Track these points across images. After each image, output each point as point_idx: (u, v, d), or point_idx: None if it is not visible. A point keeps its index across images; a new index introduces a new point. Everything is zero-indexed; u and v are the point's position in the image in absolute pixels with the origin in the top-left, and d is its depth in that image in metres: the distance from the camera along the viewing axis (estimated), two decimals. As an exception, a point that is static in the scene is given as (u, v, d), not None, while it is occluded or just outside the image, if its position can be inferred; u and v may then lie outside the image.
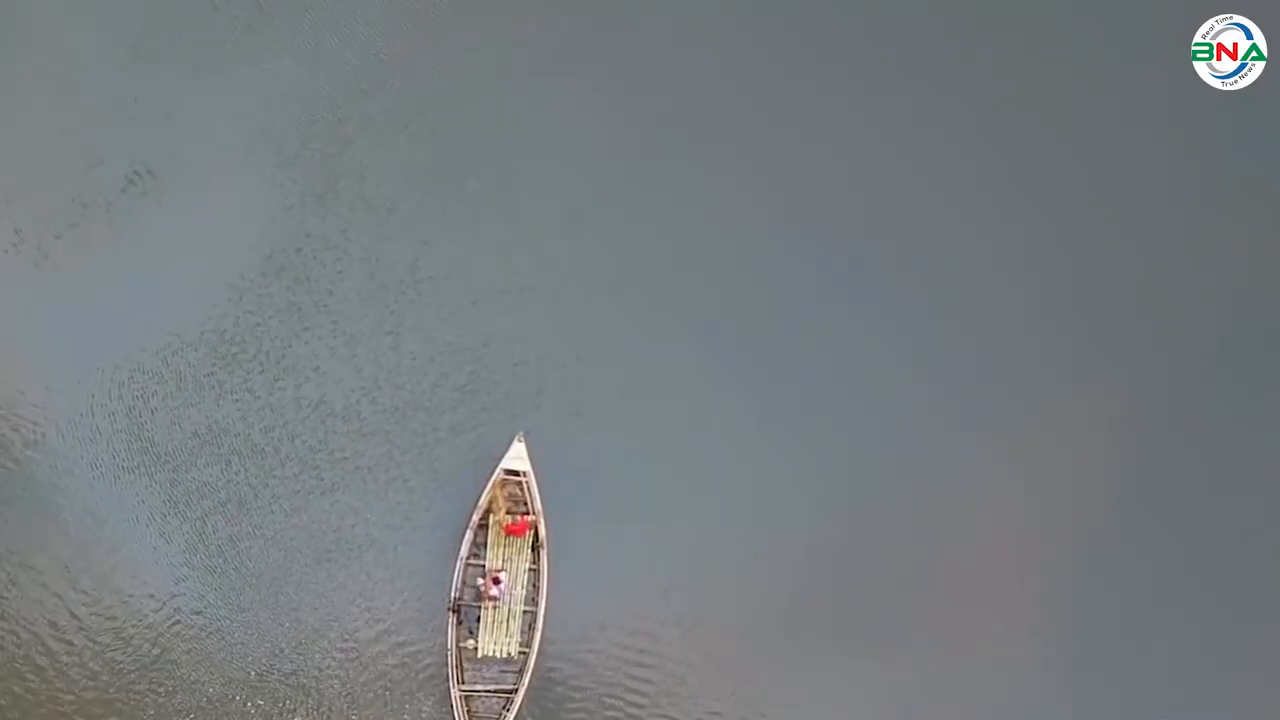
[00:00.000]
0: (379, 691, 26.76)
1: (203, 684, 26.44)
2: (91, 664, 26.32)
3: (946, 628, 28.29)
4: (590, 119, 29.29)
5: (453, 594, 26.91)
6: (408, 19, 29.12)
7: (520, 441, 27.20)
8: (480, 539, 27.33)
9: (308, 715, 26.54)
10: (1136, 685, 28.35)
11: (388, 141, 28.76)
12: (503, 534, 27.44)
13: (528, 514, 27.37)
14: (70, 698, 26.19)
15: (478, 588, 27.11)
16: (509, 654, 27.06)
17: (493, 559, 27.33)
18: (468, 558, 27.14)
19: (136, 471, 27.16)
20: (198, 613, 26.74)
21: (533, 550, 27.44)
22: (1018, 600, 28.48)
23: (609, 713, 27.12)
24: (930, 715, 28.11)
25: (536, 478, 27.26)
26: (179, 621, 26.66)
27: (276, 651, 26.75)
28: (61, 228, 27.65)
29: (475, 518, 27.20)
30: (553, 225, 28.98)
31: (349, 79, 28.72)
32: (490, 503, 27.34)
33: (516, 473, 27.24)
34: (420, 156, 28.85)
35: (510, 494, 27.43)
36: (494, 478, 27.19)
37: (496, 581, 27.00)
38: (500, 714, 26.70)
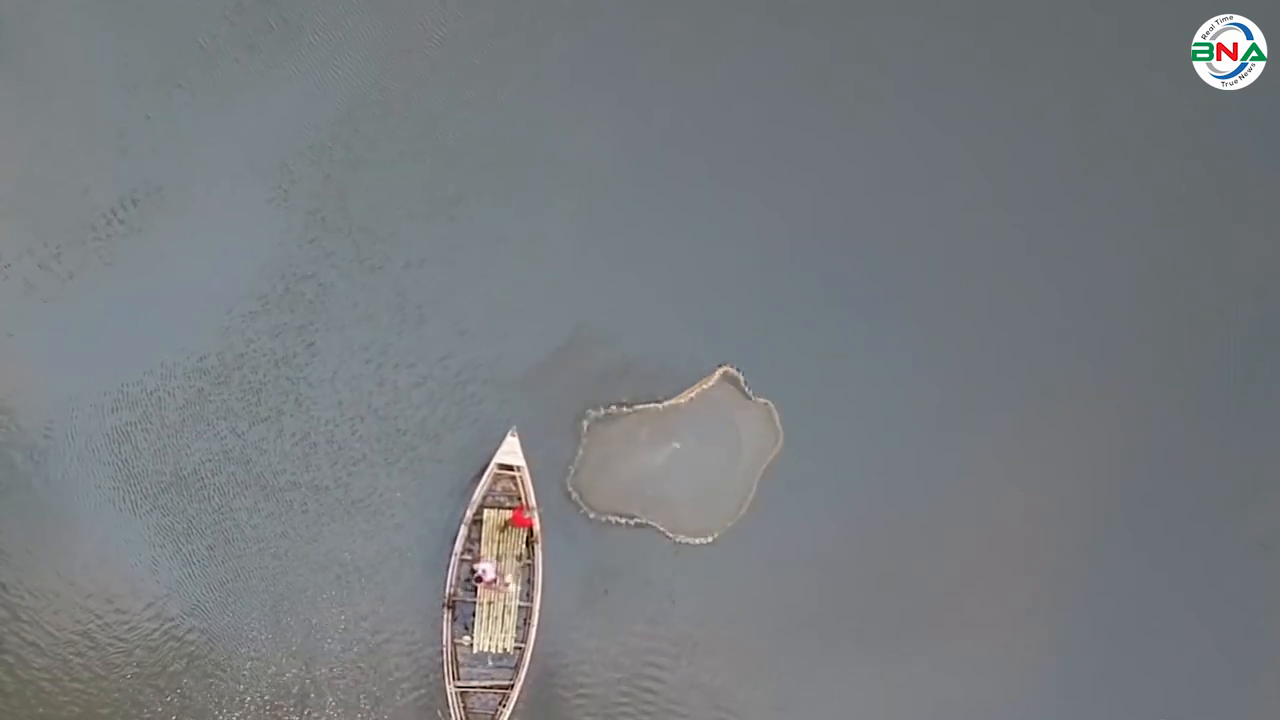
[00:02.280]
0: (373, 691, 26.84)
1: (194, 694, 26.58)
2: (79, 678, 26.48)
3: (951, 631, 28.38)
4: (580, 146, 29.16)
5: (447, 589, 26.85)
6: (397, 56, 28.96)
7: (513, 436, 27.16)
8: (474, 534, 27.25)
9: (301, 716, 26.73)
10: (1143, 688, 28.46)
11: (373, 172, 28.62)
12: (501, 527, 27.40)
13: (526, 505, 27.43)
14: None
15: (472, 580, 27.06)
16: (504, 649, 27.01)
17: (487, 554, 27.26)
18: (462, 553, 27.06)
19: (118, 505, 27.03)
20: (190, 626, 26.82)
21: (527, 545, 27.35)
22: (1021, 605, 28.56)
23: (607, 706, 27.15)
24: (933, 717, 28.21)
25: (530, 472, 27.31)
26: (173, 636, 26.73)
27: (269, 660, 26.84)
28: (46, 257, 27.53)
29: (469, 513, 27.13)
30: (537, 249, 28.86)
31: (338, 113, 28.59)
32: (484, 498, 27.31)
33: (510, 467, 27.21)
34: (406, 186, 28.70)
35: (505, 488, 27.42)
36: (488, 473, 27.18)
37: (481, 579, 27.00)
38: (497, 710, 26.65)
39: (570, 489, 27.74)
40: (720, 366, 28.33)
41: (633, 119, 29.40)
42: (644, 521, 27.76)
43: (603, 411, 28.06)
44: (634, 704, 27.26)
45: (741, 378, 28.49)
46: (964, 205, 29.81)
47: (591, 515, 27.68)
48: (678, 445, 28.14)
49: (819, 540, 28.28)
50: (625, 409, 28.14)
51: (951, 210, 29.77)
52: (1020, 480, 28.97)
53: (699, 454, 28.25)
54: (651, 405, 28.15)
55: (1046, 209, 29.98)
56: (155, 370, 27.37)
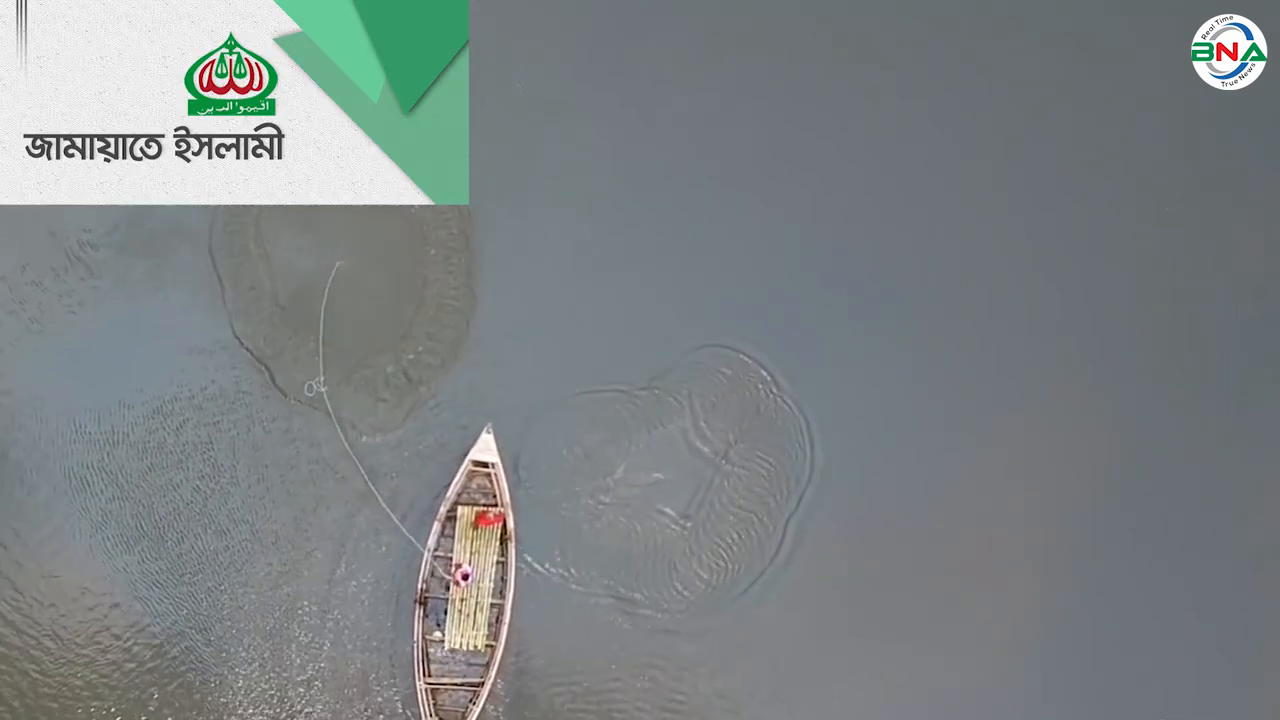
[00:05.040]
0: (341, 688, 26.75)
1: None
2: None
3: (948, 632, 28.12)
4: (577, 146, 29.20)
5: (419, 585, 26.76)
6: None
7: (488, 433, 27.05)
8: (448, 531, 27.16)
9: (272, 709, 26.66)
10: (1143, 688, 28.17)
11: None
12: (475, 524, 27.24)
13: (495, 505, 27.26)
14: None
15: (445, 580, 26.97)
16: (476, 647, 26.87)
17: (460, 551, 27.12)
18: (435, 549, 26.96)
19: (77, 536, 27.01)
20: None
21: (501, 543, 27.18)
22: (1021, 605, 28.28)
23: (578, 705, 26.97)
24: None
25: (505, 469, 27.18)
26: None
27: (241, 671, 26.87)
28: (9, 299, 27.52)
29: (443, 509, 27.04)
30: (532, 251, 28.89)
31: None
32: (458, 494, 27.19)
33: (485, 464, 27.10)
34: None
35: (479, 485, 27.29)
36: (462, 469, 27.06)
37: (466, 577, 26.86)
38: (467, 707, 26.51)
39: (553, 485, 27.77)
40: (701, 348, 28.40)
41: (634, 119, 29.38)
42: (621, 516, 27.85)
43: (588, 408, 28.09)
44: (606, 701, 27.08)
45: (728, 375, 28.51)
46: (963, 205, 29.66)
47: (570, 509, 27.76)
48: (666, 457, 28.25)
49: (809, 537, 28.11)
50: (612, 403, 28.22)
51: (950, 210, 29.62)
52: (1017, 480, 28.71)
53: (687, 453, 28.28)
54: (636, 399, 28.27)
55: (1046, 209, 29.76)
56: (114, 412, 27.31)
